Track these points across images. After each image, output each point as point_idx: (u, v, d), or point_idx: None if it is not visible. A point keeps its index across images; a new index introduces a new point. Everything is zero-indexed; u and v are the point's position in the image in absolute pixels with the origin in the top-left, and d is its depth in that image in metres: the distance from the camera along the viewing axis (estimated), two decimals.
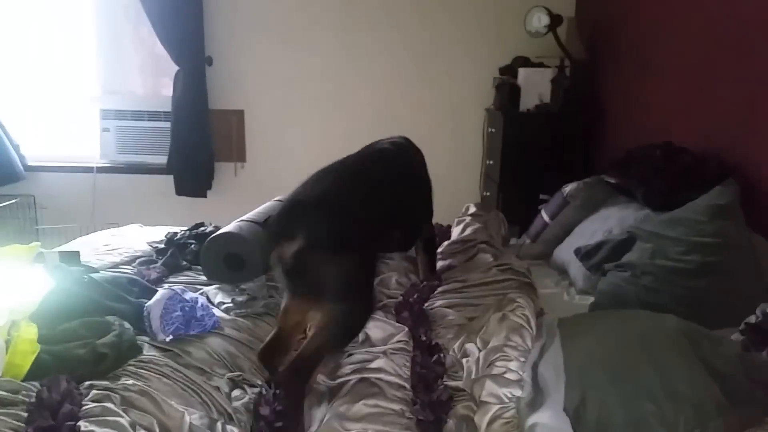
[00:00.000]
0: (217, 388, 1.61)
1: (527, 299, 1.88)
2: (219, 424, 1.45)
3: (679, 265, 2.00)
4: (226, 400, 1.58)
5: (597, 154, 3.64)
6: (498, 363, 1.59)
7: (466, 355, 1.74)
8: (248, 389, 1.67)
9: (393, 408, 1.52)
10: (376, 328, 1.88)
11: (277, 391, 1.59)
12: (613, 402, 1.42)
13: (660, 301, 1.94)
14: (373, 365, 1.68)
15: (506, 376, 1.53)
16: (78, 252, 2.22)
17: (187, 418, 1.36)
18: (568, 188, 2.80)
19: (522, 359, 1.62)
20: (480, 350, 1.71)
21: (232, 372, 1.73)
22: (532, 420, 1.38)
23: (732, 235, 2.03)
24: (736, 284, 1.97)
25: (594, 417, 1.42)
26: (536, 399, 1.47)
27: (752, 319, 1.79)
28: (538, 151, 3.54)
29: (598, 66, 3.77)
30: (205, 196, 4.35)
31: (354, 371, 1.68)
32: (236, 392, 1.65)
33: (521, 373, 1.57)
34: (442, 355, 1.75)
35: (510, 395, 1.46)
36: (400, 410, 1.52)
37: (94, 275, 2.00)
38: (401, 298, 2.14)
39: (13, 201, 4.14)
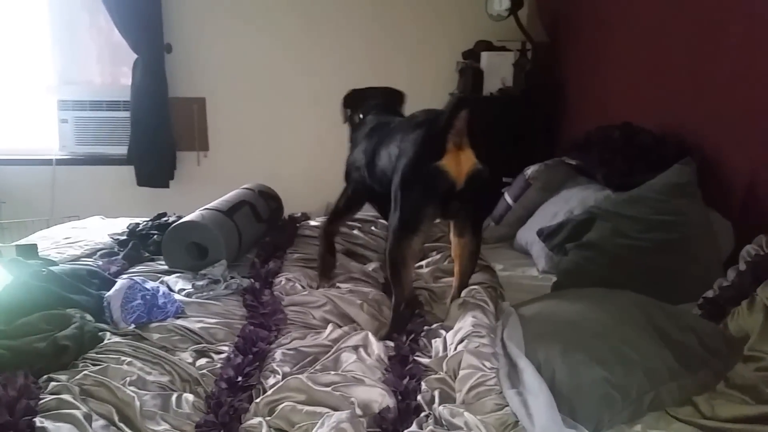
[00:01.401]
0: (180, 359, 1.61)
1: (482, 287, 1.93)
2: (173, 398, 1.44)
3: (638, 243, 2.04)
4: (190, 367, 1.58)
5: (558, 137, 3.68)
6: (473, 339, 1.61)
7: (434, 336, 1.76)
8: (215, 356, 1.67)
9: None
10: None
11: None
12: (564, 370, 1.45)
13: (620, 280, 1.97)
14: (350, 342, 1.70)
15: (482, 350, 1.55)
16: (35, 245, 2.18)
17: (137, 402, 1.35)
18: (529, 170, 2.82)
19: (492, 335, 1.65)
20: (446, 332, 1.73)
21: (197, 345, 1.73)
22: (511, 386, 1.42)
23: (690, 212, 2.08)
24: (694, 261, 2.01)
25: (547, 385, 1.45)
26: (511, 372, 1.50)
27: (710, 293, 1.84)
28: (501, 135, 3.56)
29: (558, 49, 3.80)
30: (167, 186, 4.29)
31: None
32: (201, 361, 1.65)
33: (493, 347, 1.59)
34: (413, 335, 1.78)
35: (489, 366, 1.47)
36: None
37: (53, 268, 1.96)
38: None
39: None
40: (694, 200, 2.11)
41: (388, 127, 2.11)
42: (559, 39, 3.80)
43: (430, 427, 1.31)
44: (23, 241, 2.45)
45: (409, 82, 4.32)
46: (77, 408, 1.32)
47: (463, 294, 1.89)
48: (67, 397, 1.36)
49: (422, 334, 1.79)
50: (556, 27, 3.84)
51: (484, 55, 3.73)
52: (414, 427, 1.32)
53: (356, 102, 2.46)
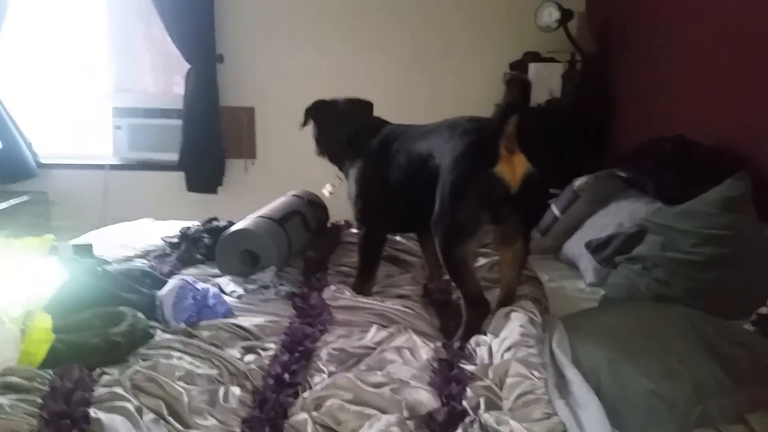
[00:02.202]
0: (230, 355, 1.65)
1: (527, 300, 1.92)
2: (221, 392, 1.47)
3: (690, 258, 1.99)
4: (239, 362, 1.62)
5: (608, 149, 3.62)
6: (521, 348, 1.60)
7: (478, 344, 1.75)
8: (263, 353, 1.70)
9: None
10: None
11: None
12: (609, 384, 1.43)
13: (671, 294, 1.93)
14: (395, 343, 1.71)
15: (530, 359, 1.54)
16: (91, 245, 2.25)
17: (185, 398, 1.38)
18: (578, 182, 2.79)
19: (540, 345, 1.64)
20: (491, 340, 1.72)
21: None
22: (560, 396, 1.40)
23: (744, 227, 2.02)
24: (747, 276, 1.96)
25: None
26: (559, 383, 1.49)
27: (764, 309, 1.79)
28: (549, 147, 3.52)
29: (608, 60, 3.75)
30: (215, 192, 4.37)
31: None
32: (249, 357, 1.69)
33: (542, 357, 1.58)
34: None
35: (538, 374, 1.46)
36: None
37: (107, 267, 2.02)
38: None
39: (26, 198, 4.18)
40: (748, 215, 2.06)
41: (410, 136, 2.09)
42: (610, 50, 3.76)
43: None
44: (77, 241, 2.52)
45: (455, 93, 4.35)
46: (129, 401, 1.35)
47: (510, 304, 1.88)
48: (119, 390, 1.41)
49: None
50: (606, 38, 3.79)
51: (532, 66, 3.71)
52: (460, 431, 1.32)
53: (322, 114, 2.49)
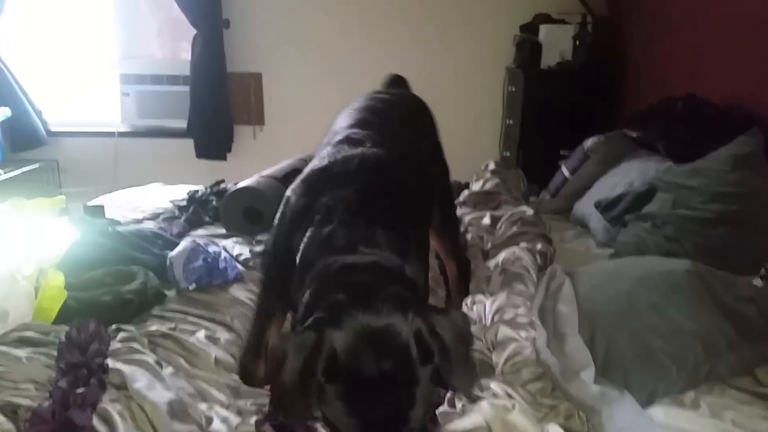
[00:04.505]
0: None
1: (524, 251, 1.91)
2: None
3: (700, 215, 1.99)
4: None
5: (619, 110, 3.58)
6: (507, 310, 1.61)
7: (474, 302, 1.77)
8: None
9: None
10: None
11: None
12: (620, 339, 1.44)
13: (680, 251, 1.93)
14: None
15: (517, 320, 1.56)
16: (102, 206, 2.26)
17: (212, 351, 1.40)
18: (588, 142, 2.77)
19: (528, 304, 1.66)
20: (487, 300, 1.74)
21: None
22: (552, 354, 1.40)
23: (755, 184, 2.01)
24: (757, 233, 1.95)
25: (602, 353, 1.44)
26: (550, 338, 1.49)
27: None
28: (560, 110, 3.49)
29: (619, 21, 3.70)
30: (224, 158, 4.37)
31: None
32: None
33: (530, 316, 1.59)
34: None
35: (525, 335, 1.47)
36: None
37: (118, 228, 2.03)
38: None
39: (36, 166, 4.20)
40: (759, 172, 2.04)
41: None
42: (620, 11, 3.70)
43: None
44: (89, 203, 2.54)
45: (465, 56, 4.30)
46: (147, 355, 1.37)
47: (502, 258, 1.89)
48: (136, 345, 1.42)
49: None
50: None
51: (543, 28, 3.65)
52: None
53: None
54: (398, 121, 1.72)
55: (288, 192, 1.41)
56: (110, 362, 1.31)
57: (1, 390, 1.22)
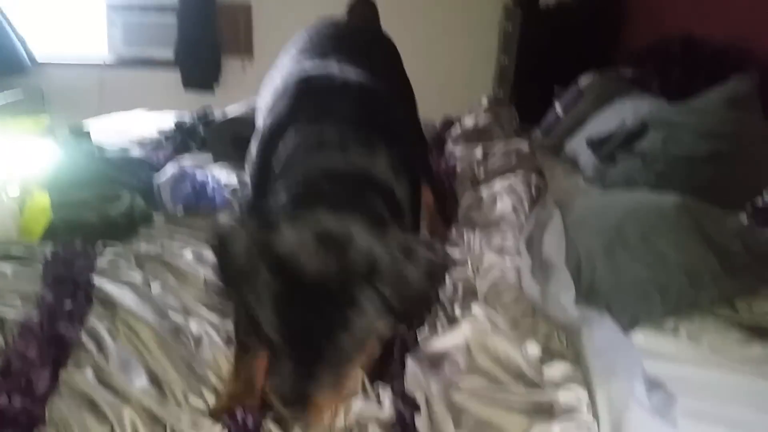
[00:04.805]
0: None
1: (519, 181, 1.91)
2: None
3: (690, 153, 1.98)
4: None
5: (616, 50, 3.53)
6: (495, 237, 1.62)
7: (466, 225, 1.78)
8: None
9: None
10: None
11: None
12: (605, 267, 1.45)
13: (670, 188, 1.92)
14: None
15: (504, 247, 1.58)
16: (88, 131, 2.22)
17: (201, 271, 1.40)
18: (583, 80, 2.74)
19: (516, 232, 1.67)
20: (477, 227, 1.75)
21: None
22: (535, 280, 1.41)
23: (747, 124, 2.00)
24: (748, 172, 1.95)
25: (587, 281, 1.46)
26: (534, 267, 1.50)
27: (759, 201, 1.80)
28: (557, 50, 3.42)
29: None
30: (212, 89, 4.30)
31: None
32: None
33: (517, 244, 1.60)
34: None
35: (510, 262, 1.48)
36: None
37: (104, 153, 2.01)
38: None
39: (20, 94, 4.10)
40: (753, 112, 2.03)
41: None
42: None
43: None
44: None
45: None
46: (134, 271, 1.37)
47: (496, 187, 1.90)
48: (123, 263, 1.42)
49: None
50: None
51: None
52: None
53: None
54: (364, 45, 1.67)
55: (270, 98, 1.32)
56: (96, 280, 1.31)
57: None
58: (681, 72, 2.43)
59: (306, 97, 1.25)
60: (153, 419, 1.05)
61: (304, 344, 0.91)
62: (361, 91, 1.29)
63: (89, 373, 1.10)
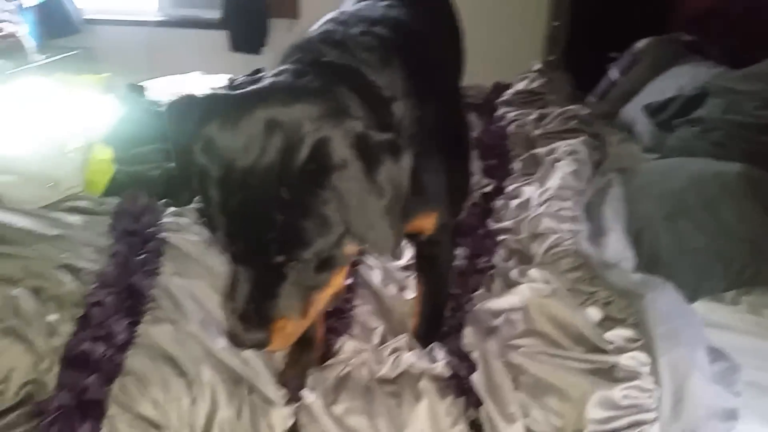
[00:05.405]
0: None
1: (583, 145, 1.86)
2: None
3: (752, 120, 1.93)
4: None
5: (674, 12, 3.39)
6: (554, 202, 1.60)
7: (516, 197, 1.75)
8: None
9: None
10: None
11: None
12: (667, 236, 1.44)
13: (729, 157, 1.87)
14: None
15: (562, 213, 1.55)
16: (143, 86, 2.26)
17: None
18: (640, 44, 2.67)
19: (576, 198, 1.64)
20: (534, 191, 1.72)
21: None
22: (592, 247, 1.40)
23: None
24: None
25: (647, 250, 1.44)
26: (593, 233, 1.49)
27: None
28: (611, 14, 3.31)
29: None
30: (259, 53, 4.31)
31: None
32: None
33: (576, 211, 1.58)
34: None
35: (568, 228, 1.47)
36: None
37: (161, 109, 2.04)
38: None
39: (74, 53, 4.17)
40: None
41: None
42: None
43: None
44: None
45: None
46: (197, 232, 1.39)
47: (560, 149, 1.86)
48: (185, 220, 1.45)
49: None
50: None
51: None
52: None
53: None
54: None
55: None
56: (164, 233, 1.34)
57: (61, 252, 1.26)
58: (742, 37, 2.35)
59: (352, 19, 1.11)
60: (232, 378, 1.09)
61: (257, 254, 0.82)
62: (406, 29, 1.14)
63: (167, 328, 1.13)
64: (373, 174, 0.79)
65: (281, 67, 0.94)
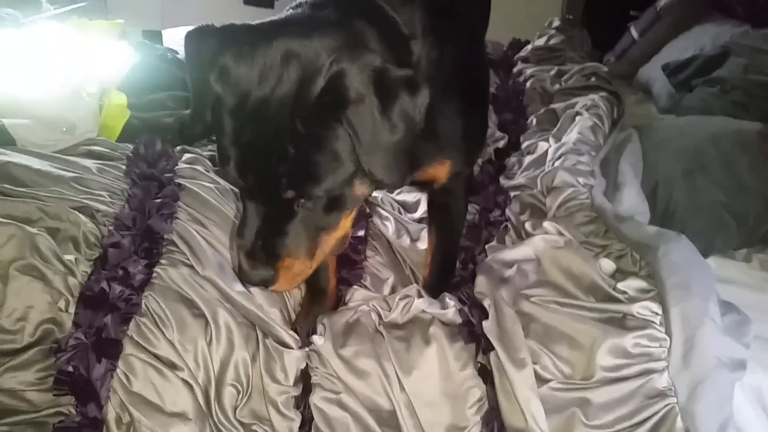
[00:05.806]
0: None
1: (603, 101, 1.85)
2: None
3: None
4: None
5: None
6: (570, 156, 1.58)
7: (530, 152, 1.73)
8: None
9: None
10: None
11: None
12: (683, 191, 1.43)
13: (749, 117, 1.86)
14: None
15: (578, 167, 1.54)
16: (160, 31, 2.23)
17: None
18: (662, 2, 2.61)
19: (593, 153, 1.62)
20: (551, 146, 1.70)
21: None
22: (607, 201, 1.40)
23: None
24: None
25: (662, 205, 1.44)
26: (608, 188, 1.49)
27: None
28: None
29: None
30: (271, 5, 4.26)
31: None
32: None
33: (592, 165, 1.57)
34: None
35: (583, 182, 1.46)
36: None
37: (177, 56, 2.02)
38: None
39: (84, 3, 4.13)
40: None
41: None
42: None
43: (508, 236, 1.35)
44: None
45: None
46: (212, 180, 1.39)
47: (579, 104, 1.83)
48: (200, 168, 1.44)
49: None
50: None
51: None
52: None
53: None
54: None
55: None
56: (180, 180, 1.34)
57: (78, 193, 1.25)
58: None
59: None
60: (247, 322, 1.10)
61: (267, 188, 0.82)
62: None
63: (184, 271, 1.14)
64: (388, 110, 0.78)
65: (300, 0, 0.93)
